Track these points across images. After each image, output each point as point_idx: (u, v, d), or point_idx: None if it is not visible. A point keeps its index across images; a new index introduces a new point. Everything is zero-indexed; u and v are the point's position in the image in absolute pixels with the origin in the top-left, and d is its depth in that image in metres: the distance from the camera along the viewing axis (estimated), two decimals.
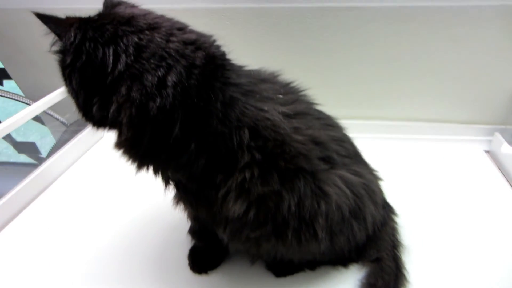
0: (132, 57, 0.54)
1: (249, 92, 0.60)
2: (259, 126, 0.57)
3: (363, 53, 0.97)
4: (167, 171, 0.61)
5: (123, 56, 0.54)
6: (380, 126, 1.10)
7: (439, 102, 1.04)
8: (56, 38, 0.57)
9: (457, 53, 0.92)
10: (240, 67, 0.66)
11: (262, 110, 0.58)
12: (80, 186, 1.03)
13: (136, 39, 0.55)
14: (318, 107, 0.71)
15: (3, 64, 1.22)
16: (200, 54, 0.56)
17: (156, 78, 0.53)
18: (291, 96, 0.65)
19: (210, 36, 0.64)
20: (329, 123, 0.69)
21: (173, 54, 0.55)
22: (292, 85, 0.70)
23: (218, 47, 0.62)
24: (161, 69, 0.54)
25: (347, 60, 0.99)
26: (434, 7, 0.84)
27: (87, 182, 1.04)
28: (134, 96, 0.53)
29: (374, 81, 1.03)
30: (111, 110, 0.56)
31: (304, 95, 0.70)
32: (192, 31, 0.61)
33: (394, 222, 0.80)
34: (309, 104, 0.69)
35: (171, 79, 0.53)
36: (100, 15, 0.59)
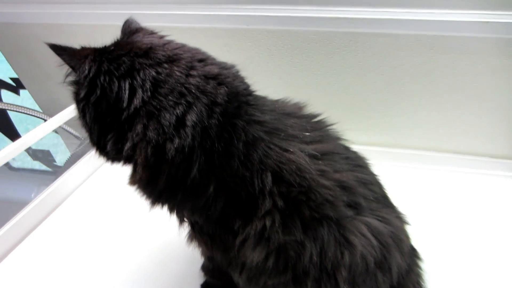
0: (149, 93, 0.51)
1: (274, 130, 0.56)
2: (283, 170, 0.52)
3: (392, 79, 0.92)
4: (183, 211, 0.58)
5: (140, 91, 0.51)
6: (410, 155, 1.04)
7: (473, 134, 0.98)
8: (71, 69, 0.55)
9: (496, 85, 0.87)
10: (264, 99, 0.62)
11: (287, 150, 0.54)
12: (93, 203, 1.00)
13: (154, 73, 0.51)
14: (346, 140, 0.66)
15: (21, 79, 1.22)
16: (222, 90, 0.53)
17: (174, 117, 0.50)
18: (318, 133, 0.61)
19: (233, 67, 0.61)
20: (357, 163, 0.64)
21: (194, 91, 0.51)
22: (319, 118, 0.66)
23: (241, 79, 0.59)
24: (180, 107, 0.50)
25: (375, 86, 0.94)
26: (472, 38, 0.79)
27: (100, 198, 1.02)
28: (151, 136, 0.50)
29: (407, 109, 0.98)
30: (126, 148, 0.53)
31: (331, 130, 0.66)
32: (214, 63, 0.57)
33: (419, 267, 0.74)
34: (337, 141, 0.64)
35: (190, 118, 0.50)
36: (116, 45, 0.57)
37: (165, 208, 0.58)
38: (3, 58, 1.15)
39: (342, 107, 0.99)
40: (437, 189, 0.99)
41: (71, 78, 0.56)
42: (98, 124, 0.54)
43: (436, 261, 0.78)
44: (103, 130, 0.55)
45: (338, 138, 0.65)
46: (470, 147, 1.00)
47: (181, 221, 0.60)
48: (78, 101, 0.55)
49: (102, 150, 0.57)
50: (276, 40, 0.90)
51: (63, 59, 0.54)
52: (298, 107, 0.66)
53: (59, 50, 0.54)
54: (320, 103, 0.98)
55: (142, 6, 0.89)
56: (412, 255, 0.74)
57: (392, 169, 1.01)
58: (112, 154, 0.56)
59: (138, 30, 0.62)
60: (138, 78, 0.51)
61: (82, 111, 0.55)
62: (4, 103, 1.20)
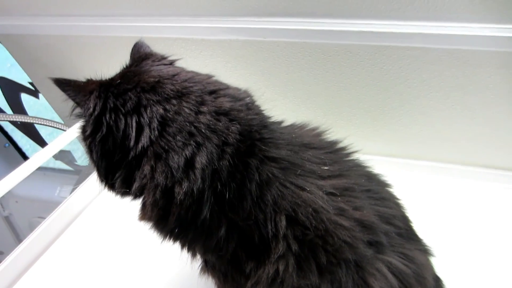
0: (157, 132, 0.48)
1: (290, 165, 0.52)
2: (299, 213, 0.49)
3: (420, 93, 0.86)
4: (195, 249, 0.55)
5: (147, 130, 0.48)
6: (438, 168, 0.99)
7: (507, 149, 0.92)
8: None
9: None
10: (280, 128, 0.59)
11: (303, 189, 0.50)
12: (105, 220, 0.98)
13: (161, 111, 0.48)
14: (368, 168, 0.62)
15: (37, 87, 1.23)
16: (234, 128, 0.49)
17: (183, 159, 0.47)
18: (337, 166, 0.57)
19: (247, 96, 0.57)
20: (380, 196, 0.59)
21: (203, 130, 0.48)
22: (339, 147, 0.62)
23: (256, 110, 0.55)
24: (189, 148, 0.47)
25: (400, 99, 0.88)
26: (506, 52, 0.72)
27: (111, 216, 0.99)
28: (159, 180, 0.47)
29: (435, 122, 0.92)
30: (134, 187, 0.51)
31: (352, 160, 0.62)
32: (226, 94, 0.54)
33: None
34: (358, 171, 0.60)
35: (200, 160, 0.47)
36: (123, 77, 0.53)
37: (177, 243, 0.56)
38: (19, 67, 1.16)
39: (366, 119, 0.94)
40: (467, 203, 0.94)
41: (77, 112, 0.54)
42: (105, 162, 0.52)
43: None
44: (110, 168, 0.52)
45: (359, 167, 0.61)
46: (504, 162, 0.93)
47: (193, 256, 0.58)
48: (84, 137, 0.53)
49: (111, 187, 0.55)
50: (294, 52, 0.85)
51: (68, 95, 0.52)
52: (317, 133, 0.62)
53: (64, 85, 0.52)
54: (342, 115, 0.95)
55: (157, 19, 0.86)
56: (438, 286, 0.71)
57: (418, 181, 0.97)
58: (121, 191, 0.54)
59: (148, 56, 0.59)
60: (145, 115, 0.49)
61: (88, 148, 0.53)
62: (28, 116, 1.21)
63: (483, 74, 0.77)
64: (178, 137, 0.47)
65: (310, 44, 0.81)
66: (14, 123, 1.85)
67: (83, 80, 0.54)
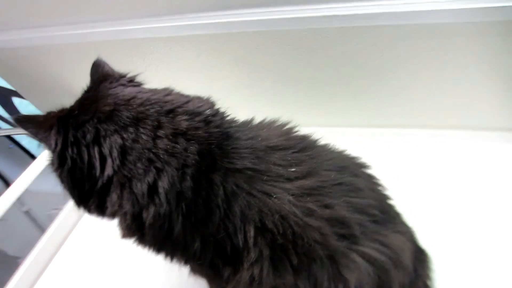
0: (118, 161, 0.49)
1: (255, 173, 0.53)
2: (266, 222, 0.51)
3: (396, 68, 0.85)
4: (176, 258, 0.58)
5: (109, 160, 0.50)
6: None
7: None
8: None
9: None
10: (245, 133, 0.58)
11: (270, 196, 0.52)
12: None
13: (120, 140, 0.49)
14: (340, 153, 0.64)
15: (22, 95, 1.23)
16: (192, 149, 0.50)
17: (146, 186, 0.48)
18: (305, 165, 0.57)
19: (208, 106, 0.57)
20: (352, 187, 0.60)
21: (162, 156, 0.49)
22: (307, 143, 0.62)
23: (216, 122, 0.55)
24: (151, 174, 0.48)
25: (378, 74, 0.87)
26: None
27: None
28: (126, 207, 0.49)
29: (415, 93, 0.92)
30: (107, 213, 0.53)
31: (321, 151, 0.62)
32: (185, 111, 0.54)
33: (427, 270, 0.73)
34: (328, 166, 0.60)
35: (162, 185, 0.48)
36: (81, 106, 0.54)
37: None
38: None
39: (348, 96, 0.94)
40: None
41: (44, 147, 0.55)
42: (77, 190, 0.54)
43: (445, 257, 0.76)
44: (83, 195, 0.54)
45: (330, 160, 0.62)
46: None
47: (179, 263, 0.61)
48: (53, 170, 0.54)
49: (88, 211, 0.57)
50: (264, 39, 0.83)
51: (30, 132, 0.53)
52: (285, 131, 0.62)
53: (24, 123, 0.53)
54: (323, 94, 0.94)
55: (123, 22, 0.85)
56: (420, 260, 0.73)
57: (404, 149, 0.99)
58: (97, 214, 0.56)
59: (105, 77, 0.59)
60: (105, 145, 0.50)
61: (59, 179, 0.54)
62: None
63: (459, 43, 0.75)
64: (139, 165, 0.49)
65: (279, 31, 0.79)
66: (12, 124, 1.89)
67: (44, 113, 0.55)
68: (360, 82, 0.91)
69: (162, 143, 0.49)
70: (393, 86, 0.90)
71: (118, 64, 0.93)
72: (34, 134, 0.53)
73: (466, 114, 0.94)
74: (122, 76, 0.60)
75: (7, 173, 1.97)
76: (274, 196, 0.52)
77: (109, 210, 0.52)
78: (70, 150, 0.51)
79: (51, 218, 1.58)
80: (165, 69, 0.96)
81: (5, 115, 1.83)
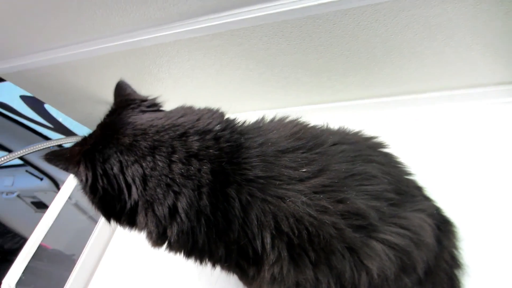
0: (141, 188, 0.54)
1: (268, 180, 0.56)
2: (282, 226, 0.54)
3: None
4: (205, 262, 0.63)
5: (133, 187, 0.55)
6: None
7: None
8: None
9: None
10: (255, 137, 0.61)
11: (284, 200, 0.55)
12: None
13: (140, 169, 0.54)
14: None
15: (52, 105, 1.31)
16: (205, 169, 0.54)
17: (166, 209, 0.53)
18: (316, 164, 0.59)
19: (217, 122, 0.59)
20: (366, 176, 0.61)
21: (178, 180, 0.53)
22: (317, 139, 0.62)
23: (227, 137, 0.58)
24: (170, 198, 0.53)
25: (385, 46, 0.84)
26: None
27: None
28: (151, 228, 0.55)
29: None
30: (137, 229, 0.58)
31: (333, 146, 0.63)
32: (195, 131, 0.57)
33: (453, 240, 0.74)
34: (339, 159, 0.61)
35: (181, 206, 0.53)
36: (103, 138, 0.58)
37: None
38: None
39: (358, 70, 0.94)
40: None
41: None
42: (108, 212, 0.60)
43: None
44: (115, 215, 0.60)
45: (341, 153, 0.62)
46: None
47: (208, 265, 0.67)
48: (86, 196, 0.60)
49: (119, 226, 0.62)
50: (266, 31, 0.83)
51: (61, 168, 0.58)
52: (294, 132, 0.63)
53: (53, 161, 0.58)
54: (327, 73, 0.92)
55: (129, 35, 0.87)
56: (444, 231, 0.74)
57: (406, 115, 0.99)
58: (129, 229, 0.61)
59: (127, 102, 0.63)
60: (128, 175, 0.55)
61: (92, 203, 0.60)
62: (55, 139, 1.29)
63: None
64: (158, 190, 0.53)
65: (278, 23, 0.79)
66: (47, 127, 2.02)
67: (70, 148, 0.60)
68: (359, 57, 0.89)
69: (177, 167, 0.53)
70: (396, 56, 0.88)
71: (132, 69, 0.97)
72: (65, 170, 0.59)
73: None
74: (143, 100, 0.64)
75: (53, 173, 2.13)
76: (288, 199, 0.54)
77: (137, 228, 0.58)
78: (100, 182, 0.56)
79: None
80: (176, 69, 0.99)
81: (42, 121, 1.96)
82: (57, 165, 0.59)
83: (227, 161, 0.55)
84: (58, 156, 0.59)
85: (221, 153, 0.55)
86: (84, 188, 0.59)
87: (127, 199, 0.56)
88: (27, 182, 2.12)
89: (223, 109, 0.65)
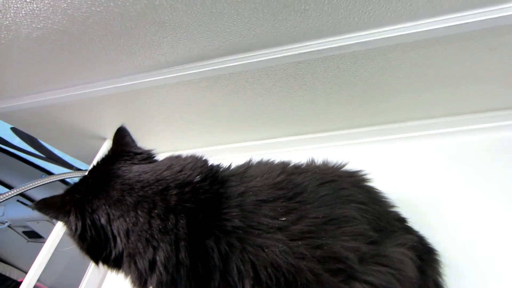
0: (125, 240, 0.57)
1: (247, 230, 0.58)
2: (261, 275, 0.55)
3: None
4: None
5: (118, 238, 0.57)
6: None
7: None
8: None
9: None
10: (237, 185, 0.63)
11: (262, 249, 0.56)
12: None
13: (124, 224, 0.57)
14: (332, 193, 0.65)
15: (44, 141, 1.34)
16: (182, 223, 0.56)
17: (147, 262, 0.55)
18: (295, 212, 0.61)
19: (198, 172, 0.61)
20: (344, 219, 0.63)
21: (156, 236, 0.55)
22: (299, 187, 0.64)
23: (206, 188, 0.60)
24: (149, 252, 0.55)
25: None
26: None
27: None
28: (133, 279, 0.57)
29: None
30: (124, 275, 0.61)
31: (310, 196, 0.64)
32: (175, 185, 0.59)
33: (437, 268, 0.77)
34: (317, 204, 0.63)
35: (159, 259, 0.55)
36: (93, 188, 0.61)
37: None
38: None
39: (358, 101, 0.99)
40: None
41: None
42: (96, 257, 0.62)
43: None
44: (103, 260, 0.62)
45: (320, 198, 0.64)
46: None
47: None
48: (74, 241, 0.62)
49: (106, 268, 0.64)
50: (252, 74, 0.87)
51: (51, 216, 0.60)
52: (278, 181, 0.65)
53: (43, 210, 0.60)
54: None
55: (119, 80, 0.91)
56: (427, 261, 0.76)
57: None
58: (116, 273, 0.64)
59: (124, 152, 0.67)
60: (114, 227, 0.57)
61: (80, 250, 0.62)
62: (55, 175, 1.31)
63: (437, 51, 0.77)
64: (139, 244, 0.56)
65: (263, 68, 0.83)
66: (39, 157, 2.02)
67: (60, 196, 0.62)
68: (340, 93, 0.94)
69: (155, 223, 0.56)
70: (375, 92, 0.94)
71: (124, 108, 1.00)
72: (55, 218, 0.61)
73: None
74: (137, 153, 0.67)
75: None
76: (267, 249, 0.56)
77: (123, 273, 0.61)
78: (88, 231, 0.59)
79: None
80: (166, 108, 1.02)
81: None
82: (47, 214, 0.60)
83: (205, 213, 0.58)
84: (48, 205, 0.61)
85: (198, 206, 0.58)
86: (73, 236, 0.61)
87: (113, 248, 0.59)
88: (18, 212, 2.11)
89: (209, 149, 0.68)
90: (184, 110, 1.03)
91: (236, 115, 1.03)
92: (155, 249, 0.55)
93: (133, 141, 0.72)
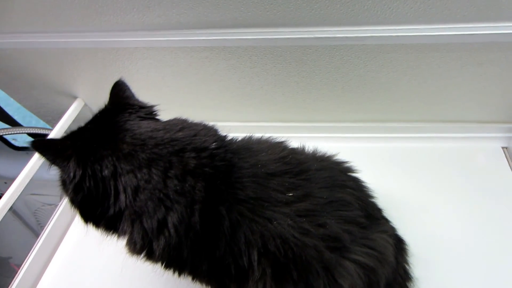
0: (131, 198, 0.53)
1: (257, 201, 0.58)
2: (268, 245, 0.56)
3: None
4: (184, 275, 0.63)
5: (122, 196, 0.54)
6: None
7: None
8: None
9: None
10: (246, 157, 0.63)
11: (271, 221, 0.57)
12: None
13: (134, 180, 0.53)
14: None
15: (7, 93, 1.21)
16: (200, 186, 0.54)
17: (155, 222, 0.53)
18: (301, 189, 0.63)
19: (213, 140, 0.60)
20: (342, 202, 0.67)
21: (171, 196, 0.53)
22: (301, 168, 0.66)
23: (221, 156, 0.59)
24: (160, 212, 0.53)
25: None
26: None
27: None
28: (136, 239, 0.54)
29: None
30: (118, 234, 0.57)
31: (314, 174, 0.67)
32: (192, 148, 0.57)
33: (406, 256, 0.83)
34: (320, 184, 0.66)
35: (171, 220, 0.53)
36: (98, 138, 0.56)
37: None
38: None
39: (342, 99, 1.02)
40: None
41: (56, 172, 0.57)
42: (87, 213, 0.57)
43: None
44: (93, 218, 0.58)
45: (321, 179, 0.67)
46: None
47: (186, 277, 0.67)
48: (66, 193, 0.57)
49: (95, 228, 0.60)
50: (257, 52, 0.86)
51: (47, 159, 0.55)
52: (282, 156, 0.66)
53: (41, 149, 0.55)
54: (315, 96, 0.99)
55: (117, 34, 0.85)
56: (399, 249, 0.82)
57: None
58: (105, 233, 0.60)
59: (125, 106, 0.62)
60: (120, 183, 0.54)
61: (71, 201, 0.57)
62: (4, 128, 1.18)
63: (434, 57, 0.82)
64: (149, 203, 0.53)
65: (271, 47, 0.83)
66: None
67: (60, 138, 0.57)
68: (335, 85, 0.97)
69: (172, 183, 0.54)
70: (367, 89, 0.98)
71: (108, 66, 0.94)
72: (51, 161, 0.55)
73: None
74: (142, 107, 0.63)
75: None
76: (275, 221, 0.58)
77: (118, 233, 0.57)
78: (87, 182, 0.54)
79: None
80: (156, 73, 0.98)
81: None
82: (43, 155, 0.55)
83: (221, 180, 0.57)
84: (47, 146, 0.56)
85: (216, 172, 0.57)
86: (68, 184, 0.56)
87: (111, 205, 0.55)
88: None
89: (202, 118, 0.66)
90: (174, 79, 0.99)
91: (226, 91, 1.01)
92: (167, 209, 0.53)
93: (133, 95, 0.68)
